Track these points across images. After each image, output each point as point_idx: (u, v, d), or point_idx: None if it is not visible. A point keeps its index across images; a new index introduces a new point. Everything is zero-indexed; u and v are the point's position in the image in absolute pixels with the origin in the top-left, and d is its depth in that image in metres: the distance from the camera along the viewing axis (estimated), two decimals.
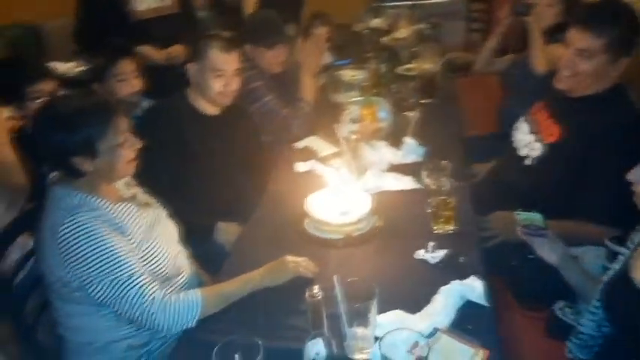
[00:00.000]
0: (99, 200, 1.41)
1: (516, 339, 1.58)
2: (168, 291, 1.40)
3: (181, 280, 1.54)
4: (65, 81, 2.39)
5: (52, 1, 3.15)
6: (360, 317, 1.14)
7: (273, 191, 1.98)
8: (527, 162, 1.87)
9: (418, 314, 1.28)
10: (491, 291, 1.37)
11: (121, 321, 1.43)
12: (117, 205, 1.45)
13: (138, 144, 1.46)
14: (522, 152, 1.92)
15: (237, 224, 1.91)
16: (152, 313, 1.34)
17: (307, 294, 1.20)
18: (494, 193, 1.95)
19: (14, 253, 1.57)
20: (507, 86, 2.80)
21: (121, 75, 2.23)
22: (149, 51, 2.69)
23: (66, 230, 1.32)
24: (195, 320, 1.35)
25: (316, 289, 1.21)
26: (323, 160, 2.08)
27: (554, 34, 2.32)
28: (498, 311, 1.46)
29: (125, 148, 1.43)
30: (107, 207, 1.41)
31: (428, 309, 1.30)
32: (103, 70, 2.24)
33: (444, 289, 1.34)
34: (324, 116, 2.31)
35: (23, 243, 1.65)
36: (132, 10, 2.64)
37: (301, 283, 1.36)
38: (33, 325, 1.52)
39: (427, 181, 1.75)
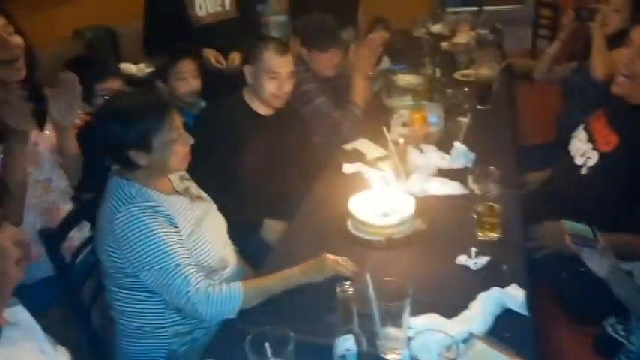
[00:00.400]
0: (153, 192, 1.48)
1: (561, 353, 1.53)
2: (213, 282, 1.45)
3: (226, 273, 1.60)
4: (131, 80, 2.54)
5: (128, 6, 3.34)
6: (393, 317, 1.14)
7: (319, 191, 2.00)
8: (583, 172, 1.80)
9: (454, 319, 1.27)
10: (536, 302, 1.33)
11: (169, 308, 1.49)
12: (170, 197, 1.52)
13: (190, 140, 1.53)
14: (578, 161, 1.85)
15: (284, 222, 1.96)
16: (195, 302, 1.39)
17: (338, 289, 1.22)
18: (546, 203, 1.89)
19: (74, 240, 1.69)
20: (567, 94, 2.70)
21: (181, 73, 2.36)
22: (212, 57, 2.75)
23: (121, 219, 1.40)
24: (235, 311, 1.39)
25: (347, 284, 1.22)
26: (370, 162, 2.09)
27: (617, 40, 2.22)
28: (544, 323, 1.42)
29: (178, 144, 1.49)
30: (160, 198, 1.48)
31: (464, 314, 1.28)
32: (165, 70, 2.37)
33: (482, 295, 1.32)
34: (376, 120, 2.31)
35: (83, 230, 1.77)
36: (194, 15, 2.74)
37: (338, 281, 1.37)
38: (88, 307, 1.61)
39: (473, 186, 1.72)
